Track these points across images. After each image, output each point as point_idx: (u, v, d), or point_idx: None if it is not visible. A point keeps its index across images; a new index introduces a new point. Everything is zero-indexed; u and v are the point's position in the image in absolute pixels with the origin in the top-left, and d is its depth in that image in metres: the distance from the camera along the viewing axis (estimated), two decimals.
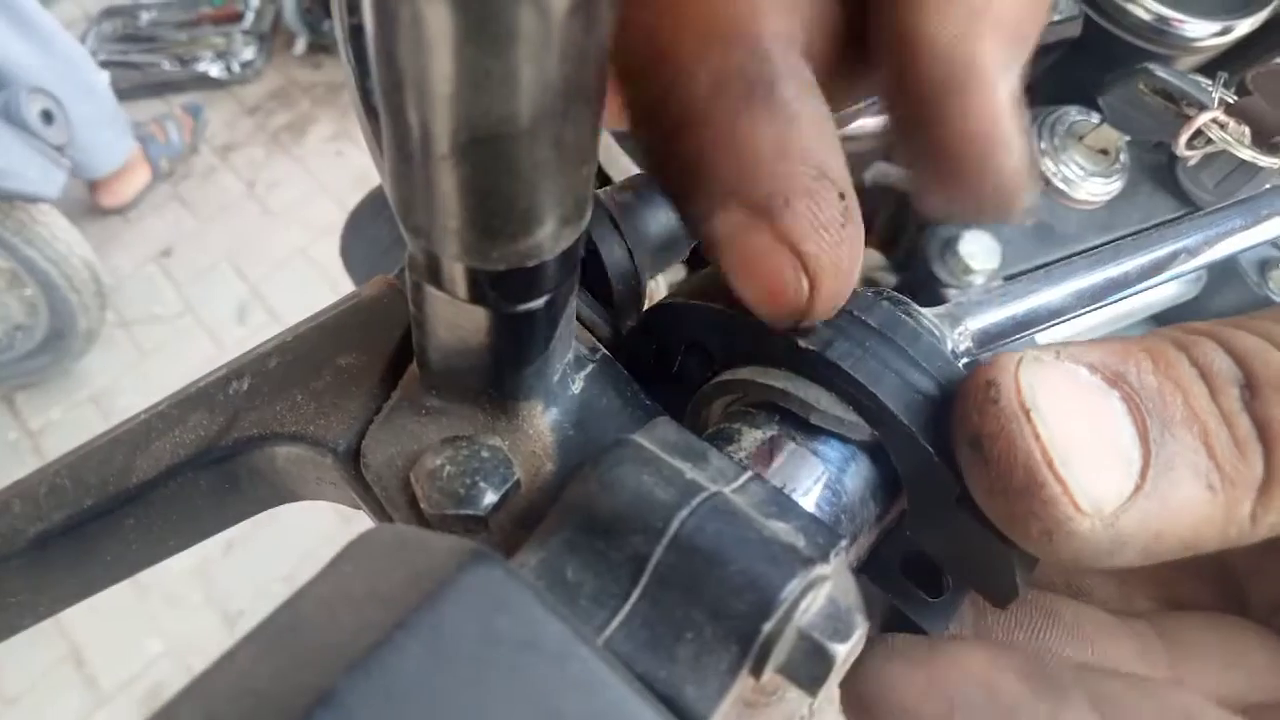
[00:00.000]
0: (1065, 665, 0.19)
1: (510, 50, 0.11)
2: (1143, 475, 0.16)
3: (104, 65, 2.69)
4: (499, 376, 0.18)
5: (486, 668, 0.12)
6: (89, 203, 2.41)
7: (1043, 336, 0.43)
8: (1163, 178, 0.45)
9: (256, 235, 2.40)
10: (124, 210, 2.43)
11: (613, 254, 0.22)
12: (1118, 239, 0.32)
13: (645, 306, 0.23)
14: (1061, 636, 0.20)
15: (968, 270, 0.44)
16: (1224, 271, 0.47)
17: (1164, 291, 0.47)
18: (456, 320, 0.17)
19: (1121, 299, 0.28)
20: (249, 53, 2.75)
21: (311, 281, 2.22)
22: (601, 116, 0.14)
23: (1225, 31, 0.45)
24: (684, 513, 0.15)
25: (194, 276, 2.35)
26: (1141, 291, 0.29)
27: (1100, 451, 0.16)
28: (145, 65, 2.72)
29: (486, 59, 0.11)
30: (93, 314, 2.03)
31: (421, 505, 0.18)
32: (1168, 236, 0.30)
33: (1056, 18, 0.44)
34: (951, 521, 0.17)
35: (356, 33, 0.17)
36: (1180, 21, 0.45)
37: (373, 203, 0.79)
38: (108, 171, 2.32)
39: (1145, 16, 0.45)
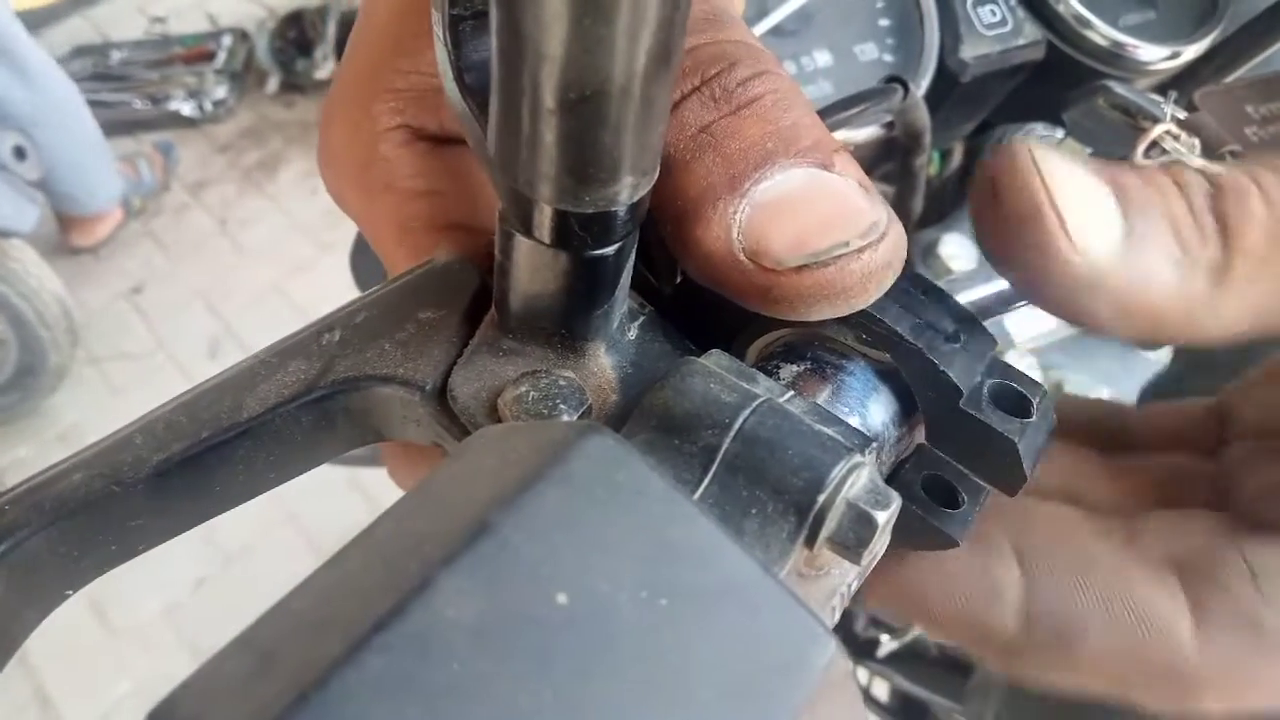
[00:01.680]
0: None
1: (614, 21, 0.14)
2: (1121, 239, 0.20)
3: None
4: (571, 318, 0.21)
5: (611, 510, 0.15)
6: (60, 239, 2.40)
7: (1012, 323, 0.47)
8: None
9: (229, 272, 2.40)
10: (95, 248, 2.43)
11: (651, 228, 0.25)
12: None
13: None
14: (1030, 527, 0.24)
15: (948, 271, 0.48)
16: None
17: None
18: (540, 265, 0.20)
19: None
20: (221, 91, 2.77)
21: (284, 318, 2.23)
22: (675, 81, 0.17)
23: (1175, 56, 0.50)
24: (746, 411, 0.18)
25: (165, 313, 2.34)
26: None
27: (1090, 212, 0.20)
28: (116, 104, 2.73)
29: (597, 28, 0.15)
30: (64, 351, 2.02)
31: (511, 423, 0.20)
32: None
33: (1021, 43, 0.48)
34: (960, 425, 0.21)
35: (457, 22, 0.20)
36: (1135, 46, 0.49)
37: None
38: (94, 213, 2.32)
39: (1103, 42, 0.49)
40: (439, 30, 0.21)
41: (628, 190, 0.18)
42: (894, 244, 0.20)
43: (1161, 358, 0.54)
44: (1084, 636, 0.22)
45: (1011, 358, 0.43)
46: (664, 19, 0.15)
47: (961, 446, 0.22)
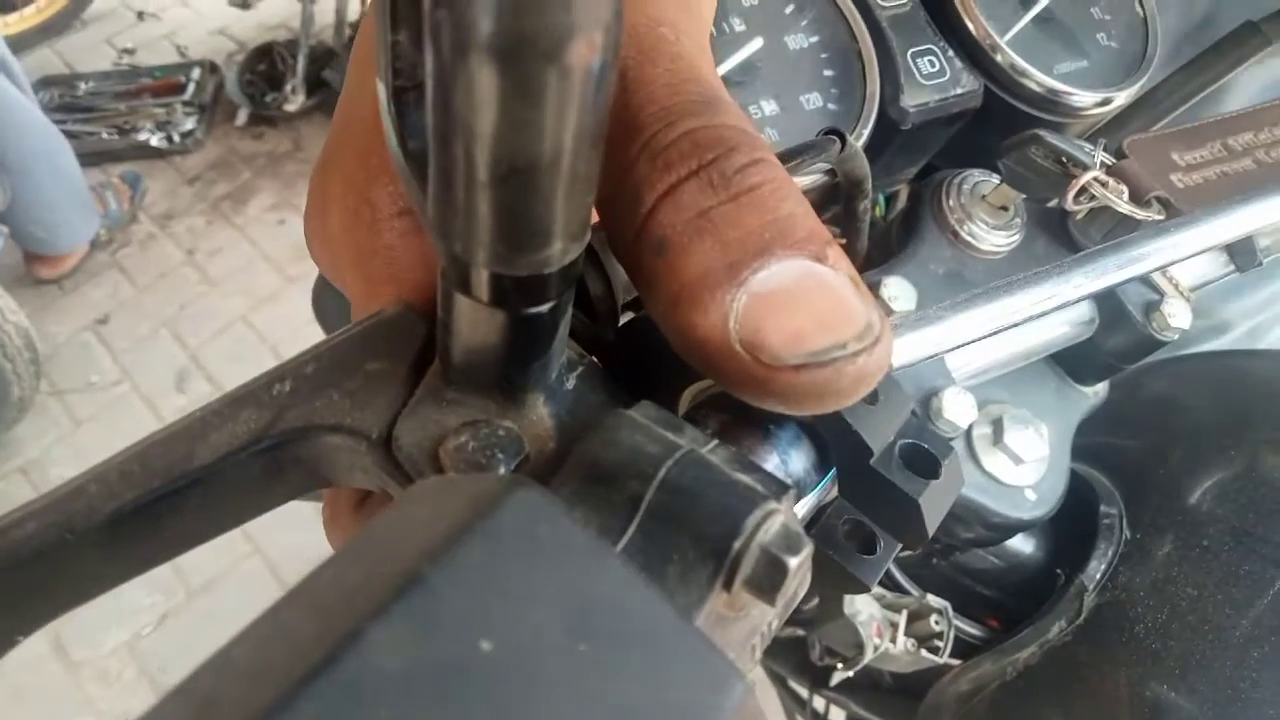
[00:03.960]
0: None
1: (542, 104, 0.16)
2: None
3: None
4: (509, 371, 0.22)
5: (536, 562, 0.16)
6: (23, 270, 2.38)
7: (951, 360, 0.49)
8: (1056, 231, 0.51)
9: (196, 303, 2.39)
10: (59, 280, 2.41)
11: (593, 280, 0.27)
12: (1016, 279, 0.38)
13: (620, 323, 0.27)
14: None
15: (890, 312, 0.49)
16: (1114, 313, 0.53)
17: (1060, 331, 0.53)
18: (478, 322, 0.21)
19: (1017, 325, 0.33)
20: (190, 123, 2.77)
21: (252, 349, 2.22)
22: (602, 156, 0.19)
23: (1106, 102, 0.53)
24: (669, 462, 0.19)
25: (132, 344, 2.32)
26: (1037, 318, 0.35)
27: None
28: (84, 134, 2.72)
29: (525, 109, 0.16)
30: (26, 382, 2.00)
31: (449, 474, 0.22)
32: (1055, 272, 0.35)
33: (959, 91, 0.51)
34: (870, 481, 0.22)
35: (400, 93, 0.22)
36: (1068, 93, 0.52)
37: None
38: (67, 251, 2.31)
39: (1038, 89, 0.52)
40: (383, 99, 0.22)
41: (559, 254, 0.19)
42: (886, 348, 0.20)
43: (1099, 391, 0.55)
44: None
45: (950, 394, 0.44)
46: (589, 100, 0.16)
47: (870, 502, 0.23)
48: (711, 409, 0.23)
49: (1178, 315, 0.51)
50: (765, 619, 0.20)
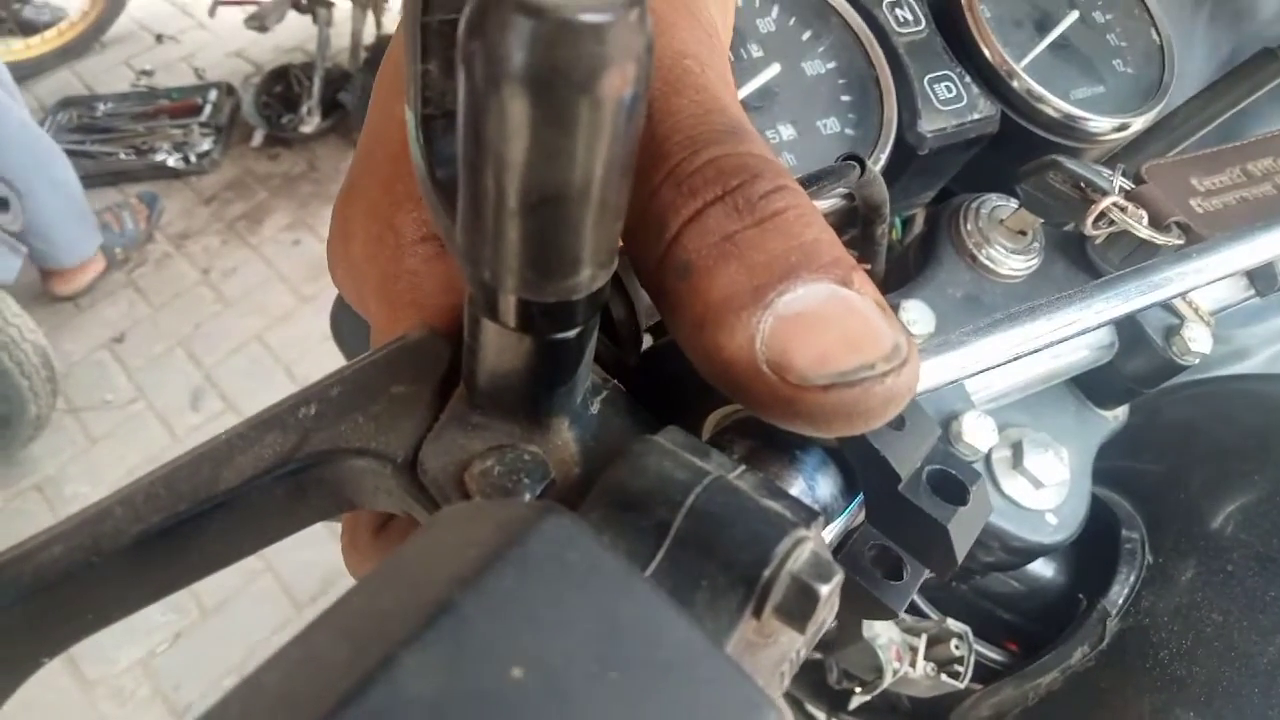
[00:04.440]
0: None
1: (573, 133, 0.16)
2: None
3: None
4: (535, 396, 0.22)
5: (566, 588, 0.16)
6: (40, 288, 2.40)
7: (971, 383, 0.49)
8: (1075, 255, 0.51)
9: (211, 322, 2.41)
10: (76, 297, 2.43)
11: (616, 305, 0.27)
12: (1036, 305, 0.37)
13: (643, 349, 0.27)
14: None
15: (910, 335, 0.49)
16: (1134, 338, 0.52)
17: (1080, 356, 0.52)
18: (505, 347, 0.21)
19: (1039, 351, 0.33)
20: (206, 144, 2.80)
21: (267, 368, 2.23)
22: (631, 185, 0.19)
23: (1123, 127, 0.53)
24: (698, 489, 0.19)
25: (147, 363, 2.34)
26: (1058, 344, 0.34)
27: None
28: (101, 155, 2.75)
29: (556, 139, 0.16)
30: (43, 400, 2.01)
31: (475, 499, 0.22)
32: (1076, 298, 0.35)
33: (976, 116, 0.51)
34: (898, 508, 0.22)
35: (429, 120, 0.22)
36: (1085, 118, 0.52)
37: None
38: (72, 265, 2.33)
39: (1055, 114, 0.52)
40: (411, 127, 0.22)
41: (587, 281, 0.19)
42: (914, 370, 0.20)
43: (1119, 416, 0.55)
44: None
45: (969, 418, 0.44)
46: (620, 131, 0.16)
47: (898, 528, 0.23)
48: (737, 434, 0.23)
49: (1198, 340, 0.51)
50: (794, 646, 0.20)
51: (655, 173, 0.22)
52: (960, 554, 0.22)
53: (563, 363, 0.22)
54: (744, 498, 0.19)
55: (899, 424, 0.22)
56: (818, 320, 0.20)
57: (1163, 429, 0.61)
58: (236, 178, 2.78)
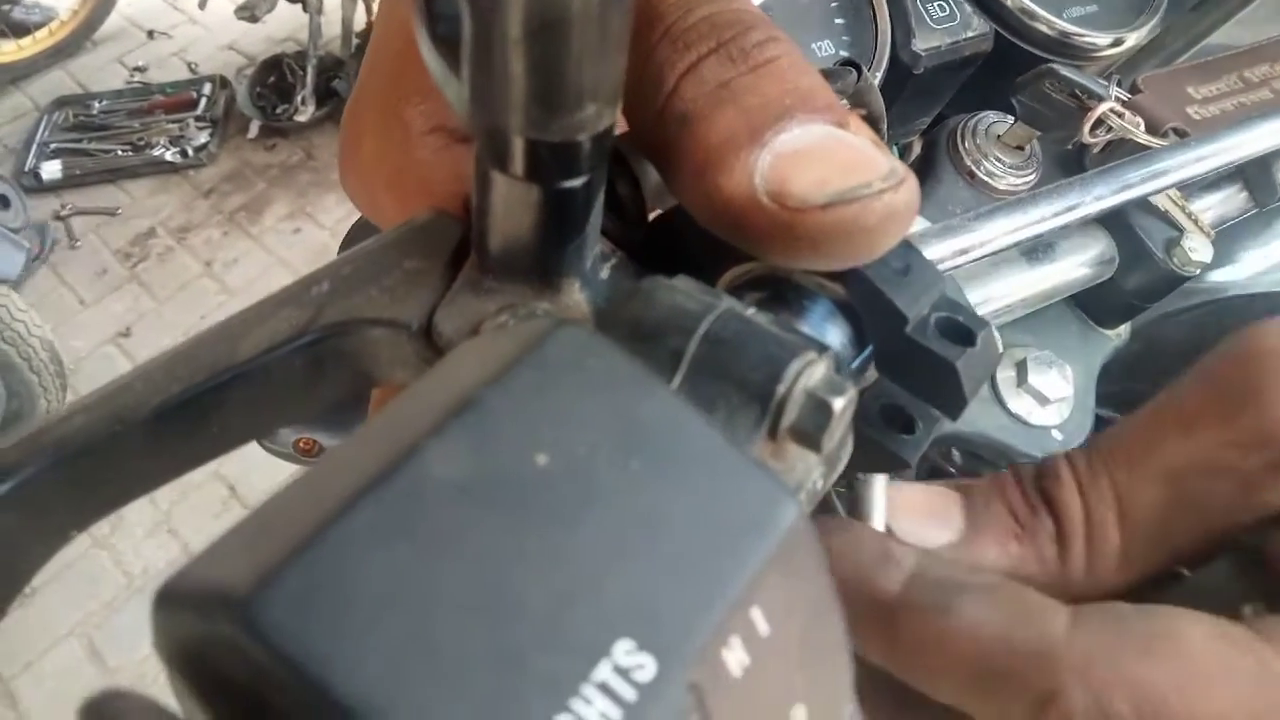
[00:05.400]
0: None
1: None
2: (962, 531, 0.25)
3: (56, 153, 2.73)
4: (545, 254, 0.23)
5: (586, 387, 0.16)
6: (44, 285, 2.41)
7: (973, 297, 0.49)
8: (1073, 170, 0.52)
9: (216, 312, 2.41)
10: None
11: (621, 182, 0.27)
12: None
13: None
14: None
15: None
16: (1134, 251, 0.53)
17: (1080, 272, 0.53)
18: (514, 201, 0.21)
19: (1040, 235, 0.34)
20: (203, 137, 2.80)
21: None
22: (632, 18, 0.19)
23: (1118, 43, 0.53)
24: (711, 317, 0.20)
25: (154, 355, 2.34)
26: (1060, 230, 0.35)
27: (926, 518, 0.25)
28: (99, 153, 2.76)
29: None
30: (52, 395, 2.02)
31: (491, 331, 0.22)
32: (1076, 185, 0.36)
33: (970, 34, 0.51)
34: (906, 351, 0.22)
35: None
36: (1079, 34, 0.52)
37: (364, 227, 0.83)
38: None
39: (1049, 32, 0.52)
40: None
41: (592, 118, 0.19)
42: (912, 189, 0.20)
43: (1121, 334, 0.55)
44: (961, 606, 0.22)
45: None
46: None
47: (907, 372, 0.23)
48: (746, 289, 0.24)
49: (1198, 250, 0.51)
50: (811, 474, 0.21)
51: (651, 33, 0.23)
52: (970, 394, 0.22)
53: (571, 215, 0.22)
54: (756, 326, 0.20)
55: (904, 269, 0.22)
56: (814, 155, 0.20)
57: (1166, 350, 0.61)
58: (234, 170, 2.79)
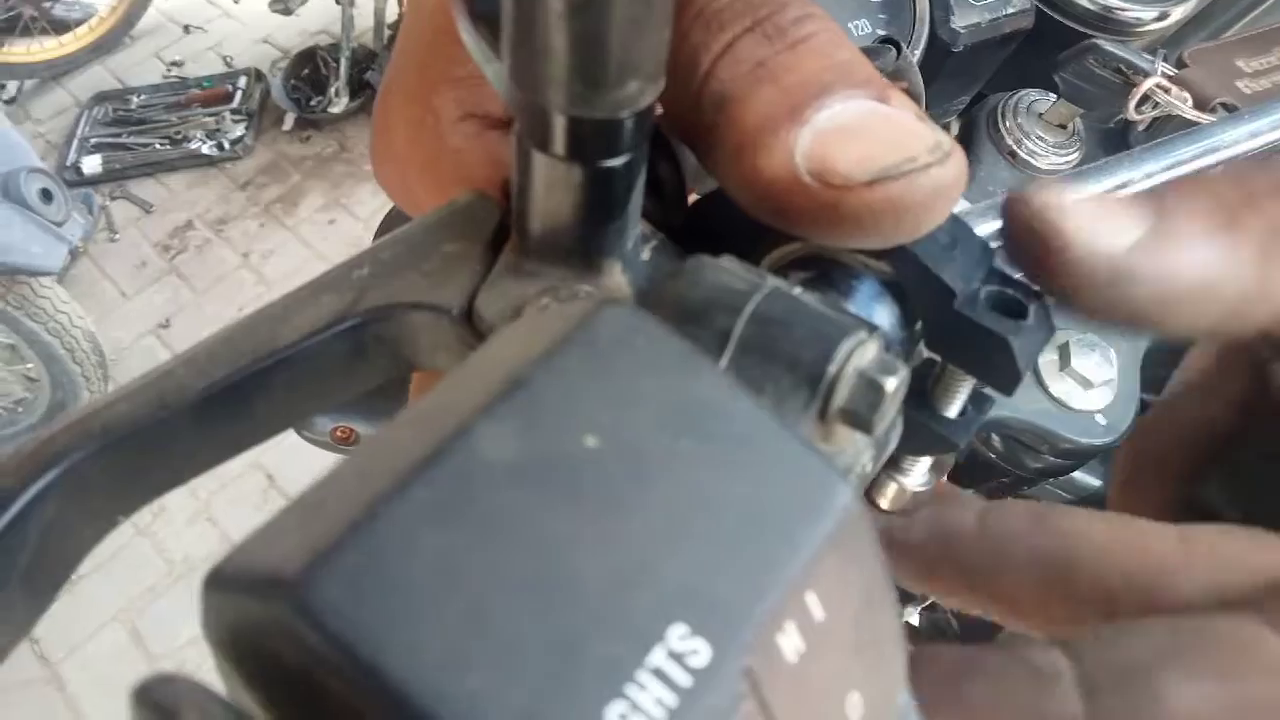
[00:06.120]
0: None
1: None
2: (1152, 227, 0.20)
3: (97, 148, 2.77)
4: (586, 235, 0.22)
5: (635, 367, 0.16)
6: (85, 278, 2.45)
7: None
8: (1116, 147, 0.50)
9: (254, 303, 2.42)
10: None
11: (661, 164, 0.27)
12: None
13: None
14: None
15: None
16: None
17: None
18: (555, 180, 0.21)
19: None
20: (239, 130, 2.83)
21: None
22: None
23: (1163, 17, 0.51)
24: (758, 296, 0.19)
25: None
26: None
27: (1114, 209, 0.20)
28: (138, 147, 2.80)
29: None
30: (95, 386, 2.06)
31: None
32: (1123, 162, 0.34)
33: (1010, 10, 0.50)
34: (956, 327, 0.22)
35: None
36: (1122, 8, 0.51)
37: (396, 218, 0.84)
38: None
39: (1092, 6, 0.51)
40: None
41: (635, 94, 0.19)
42: (960, 162, 0.20)
43: None
44: None
45: None
46: None
47: (958, 350, 0.23)
48: (791, 270, 0.23)
49: None
50: (861, 457, 0.20)
51: (684, 15, 0.22)
52: (1024, 368, 0.21)
53: (613, 196, 0.22)
54: (805, 305, 0.19)
55: (950, 244, 0.22)
56: (857, 130, 0.20)
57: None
58: (270, 162, 2.81)
